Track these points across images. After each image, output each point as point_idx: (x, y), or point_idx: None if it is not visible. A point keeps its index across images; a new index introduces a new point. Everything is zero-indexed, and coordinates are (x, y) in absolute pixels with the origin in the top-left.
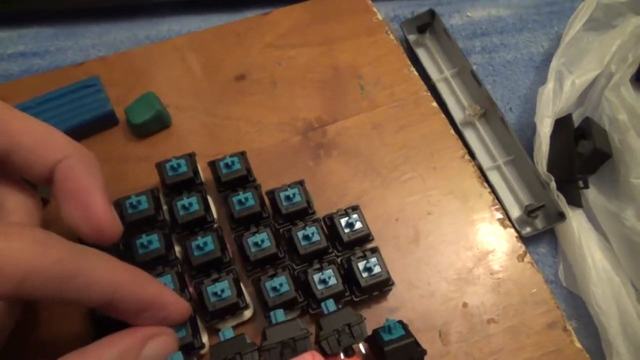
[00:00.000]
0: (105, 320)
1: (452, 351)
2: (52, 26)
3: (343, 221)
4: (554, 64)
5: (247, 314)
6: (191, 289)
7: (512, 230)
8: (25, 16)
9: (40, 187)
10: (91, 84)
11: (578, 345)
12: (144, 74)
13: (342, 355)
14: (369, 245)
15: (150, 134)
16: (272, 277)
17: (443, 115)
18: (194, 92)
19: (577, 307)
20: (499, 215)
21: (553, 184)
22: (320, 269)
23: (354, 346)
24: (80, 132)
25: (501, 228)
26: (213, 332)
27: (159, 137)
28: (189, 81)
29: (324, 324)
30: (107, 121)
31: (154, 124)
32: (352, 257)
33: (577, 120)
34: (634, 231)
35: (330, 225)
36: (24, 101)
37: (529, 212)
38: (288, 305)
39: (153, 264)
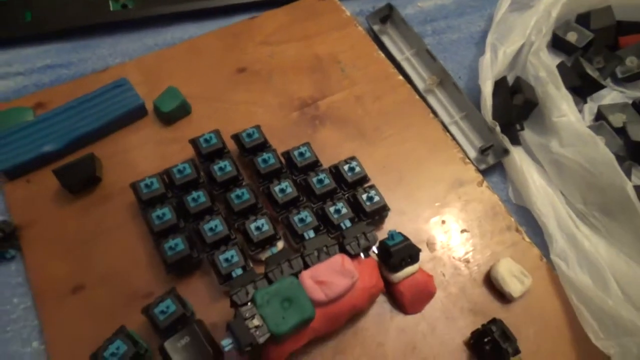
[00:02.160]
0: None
1: (438, 255)
2: (70, 41)
3: (345, 167)
4: (489, 39)
5: (280, 244)
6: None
7: (471, 165)
8: (45, 35)
9: (97, 167)
10: (121, 84)
11: (527, 240)
12: (161, 74)
13: (362, 255)
14: (367, 185)
15: (175, 120)
16: (298, 212)
17: (409, 86)
18: (205, 85)
19: (524, 216)
20: (460, 155)
21: (498, 128)
22: (334, 203)
23: (369, 253)
24: (117, 124)
25: (463, 164)
26: (256, 263)
27: (183, 123)
28: (200, 76)
29: (346, 234)
30: (138, 113)
31: (180, 112)
32: (356, 193)
33: (510, 80)
34: (558, 154)
35: (335, 172)
36: (62, 104)
37: (482, 151)
38: (314, 231)
39: (203, 214)
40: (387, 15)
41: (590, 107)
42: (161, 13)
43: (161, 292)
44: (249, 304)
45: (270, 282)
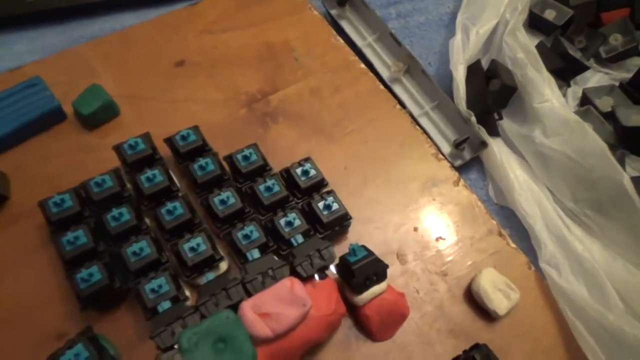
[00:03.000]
0: None
1: (410, 268)
2: None
3: (298, 171)
4: (459, 19)
5: (223, 266)
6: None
7: (446, 161)
8: None
9: (1, 179)
10: (34, 84)
11: (513, 245)
12: (85, 71)
13: (316, 277)
14: (324, 190)
15: (100, 124)
16: (242, 227)
17: (372, 75)
18: (138, 82)
19: (507, 217)
20: (433, 151)
21: (473, 118)
22: (285, 215)
23: (326, 273)
24: (29, 130)
25: (436, 161)
26: (195, 289)
27: (109, 127)
28: (132, 72)
29: (296, 253)
30: (55, 117)
31: (104, 113)
32: (311, 201)
33: (485, 64)
34: (542, 146)
35: (287, 177)
36: None
37: (457, 145)
38: (260, 250)
39: (126, 235)
40: None
41: (574, 91)
42: (88, 2)
43: (78, 329)
44: (175, 347)
45: (203, 317)
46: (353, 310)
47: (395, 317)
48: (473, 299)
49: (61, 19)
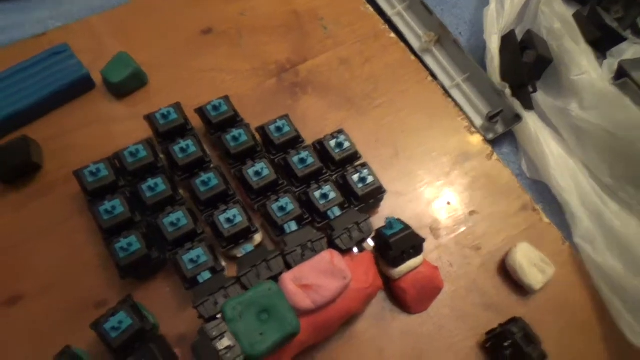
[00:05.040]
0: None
1: (444, 242)
2: (4, 1)
3: (332, 143)
4: None
5: (258, 238)
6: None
7: (478, 135)
8: None
9: (33, 151)
10: (60, 51)
11: (547, 220)
12: (111, 38)
13: (355, 250)
14: (358, 163)
15: (128, 93)
16: (277, 199)
17: (402, 45)
18: (165, 50)
19: (540, 192)
20: (465, 123)
21: (508, 90)
22: (319, 187)
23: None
24: (57, 99)
25: (468, 134)
26: (230, 260)
27: (137, 96)
28: (157, 40)
29: (335, 225)
30: (83, 85)
31: (132, 82)
32: (345, 173)
33: (519, 35)
34: (579, 119)
35: (320, 149)
36: None
37: (490, 118)
38: (297, 222)
39: (162, 205)
40: None
41: (610, 63)
42: None
43: (117, 299)
44: (218, 316)
45: (244, 288)
46: (388, 284)
47: (430, 290)
48: (507, 274)
49: None
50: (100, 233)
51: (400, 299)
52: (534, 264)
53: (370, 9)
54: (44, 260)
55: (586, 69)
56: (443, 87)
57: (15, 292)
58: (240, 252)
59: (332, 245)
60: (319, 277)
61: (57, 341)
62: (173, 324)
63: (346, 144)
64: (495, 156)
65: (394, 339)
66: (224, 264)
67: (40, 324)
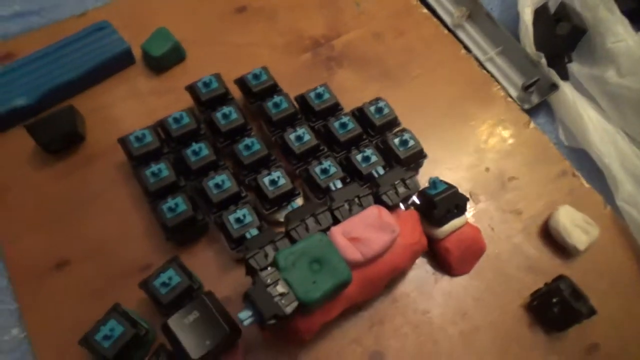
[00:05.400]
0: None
1: (484, 207)
2: None
3: (372, 109)
4: None
5: (299, 201)
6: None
7: (515, 104)
8: None
9: (78, 122)
10: (103, 27)
11: (587, 185)
12: (149, 16)
13: (401, 207)
14: (397, 129)
15: (168, 67)
16: (320, 162)
17: (435, 19)
18: (200, 27)
19: (579, 160)
20: (502, 93)
21: (543, 60)
22: (361, 151)
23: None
24: (100, 73)
25: (505, 103)
26: (272, 226)
27: (176, 71)
28: (193, 17)
29: (380, 182)
30: (124, 60)
31: (172, 56)
32: (386, 138)
33: (552, 7)
34: (617, 86)
35: (360, 116)
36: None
37: (526, 88)
38: (341, 182)
39: (206, 170)
40: None
41: None
42: None
43: (161, 263)
44: (269, 268)
45: (293, 241)
46: (431, 245)
47: (473, 251)
48: (550, 237)
49: None
50: (146, 197)
51: (444, 260)
52: (577, 225)
53: None
54: (90, 226)
55: (623, 36)
56: (477, 60)
57: (63, 257)
58: (283, 214)
59: (378, 201)
60: (368, 231)
61: (106, 303)
62: (217, 287)
63: (386, 110)
64: (532, 124)
65: (438, 301)
66: (267, 226)
67: (88, 286)
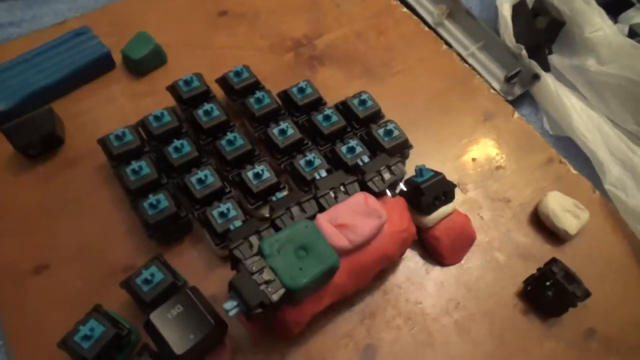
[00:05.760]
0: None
1: (472, 197)
2: None
3: (356, 101)
4: None
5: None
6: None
7: (498, 95)
8: None
9: (57, 124)
10: (82, 32)
11: (574, 171)
12: (129, 22)
13: (388, 194)
14: (382, 121)
15: (149, 70)
16: (304, 155)
17: (415, 18)
18: (182, 31)
19: (565, 148)
20: (485, 85)
21: (524, 52)
22: (345, 143)
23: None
24: (79, 78)
25: (488, 95)
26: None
27: (158, 74)
28: (175, 22)
29: (366, 169)
30: (104, 64)
31: (153, 60)
32: (371, 129)
33: (530, 3)
34: (598, 73)
35: (343, 109)
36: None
37: (509, 79)
38: (326, 172)
39: (188, 166)
40: None
41: (621, 28)
42: None
43: (143, 264)
44: (254, 257)
45: (278, 230)
46: (420, 234)
47: (463, 239)
48: (540, 223)
49: None
50: (127, 196)
51: (434, 249)
52: (567, 210)
53: None
54: (70, 230)
55: (600, 26)
56: (459, 55)
57: (42, 261)
58: (267, 210)
59: (364, 188)
60: (354, 217)
61: (87, 306)
62: (202, 285)
63: (369, 102)
64: (516, 114)
65: (430, 292)
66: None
67: (69, 290)
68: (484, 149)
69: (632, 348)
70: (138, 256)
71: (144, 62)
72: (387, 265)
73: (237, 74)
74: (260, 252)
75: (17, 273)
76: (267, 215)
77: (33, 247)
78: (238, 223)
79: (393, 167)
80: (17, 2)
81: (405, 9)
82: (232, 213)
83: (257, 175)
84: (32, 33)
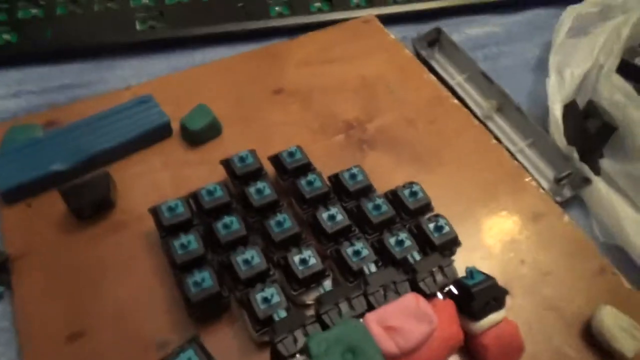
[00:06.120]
0: None
1: (518, 302)
2: (93, 61)
3: (406, 192)
4: (551, 61)
5: (328, 284)
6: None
7: (548, 196)
8: (65, 54)
9: (112, 188)
10: (145, 100)
11: (628, 286)
12: (189, 93)
13: (439, 296)
14: (432, 214)
15: (204, 141)
16: (352, 244)
17: (466, 110)
18: (238, 106)
19: (616, 259)
20: (534, 184)
21: (575, 154)
22: (394, 234)
23: None
24: (138, 143)
25: (538, 194)
26: (298, 308)
27: (212, 145)
28: (232, 96)
29: (417, 268)
30: (162, 132)
31: (210, 131)
32: (420, 221)
33: (580, 104)
34: None
35: (393, 199)
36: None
37: (559, 180)
38: (374, 265)
39: (235, 244)
40: (435, 39)
41: None
42: (191, 34)
43: (179, 339)
44: (298, 355)
45: (324, 326)
46: (467, 340)
47: (513, 349)
48: (592, 339)
49: (165, 49)
50: (172, 269)
51: (481, 358)
52: (623, 329)
53: (433, 77)
54: (109, 297)
55: None
56: (508, 150)
57: (78, 328)
58: (311, 296)
59: (415, 288)
60: (404, 320)
61: None
62: None
63: (420, 194)
64: (566, 217)
65: None
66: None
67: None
68: (533, 252)
69: None
70: (174, 332)
71: (201, 134)
72: None
73: (291, 154)
74: (306, 350)
75: (52, 339)
76: (310, 302)
77: (70, 312)
78: (282, 313)
79: (446, 269)
80: (86, 65)
81: (455, 100)
82: (276, 299)
83: (304, 261)
84: (96, 96)
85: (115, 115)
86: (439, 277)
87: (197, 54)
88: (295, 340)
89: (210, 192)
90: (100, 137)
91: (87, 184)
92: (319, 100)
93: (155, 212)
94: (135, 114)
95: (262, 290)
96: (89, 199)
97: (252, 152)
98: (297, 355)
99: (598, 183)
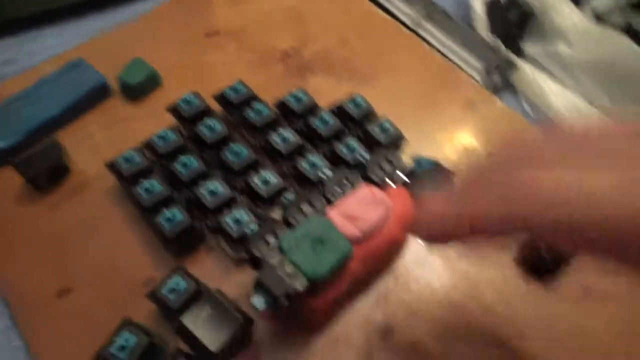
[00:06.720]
0: None
1: None
2: (14, 36)
3: (350, 104)
4: None
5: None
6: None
7: (480, 87)
8: None
9: (63, 155)
10: (78, 64)
11: None
12: (122, 51)
13: (392, 185)
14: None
15: (145, 93)
16: (306, 159)
17: (396, 22)
18: (174, 54)
19: None
20: (467, 77)
21: (501, 45)
22: (344, 143)
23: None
24: (80, 107)
25: (471, 86)
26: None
27: (154, 96)
28: (167, 47)
29: (367, 163)
30: (102, 92)
31: (149, 83)
32: (366, 127)
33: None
34: (570, 58)
35: (338, 113)
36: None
37: (489, 71)
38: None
39: (197, 180)
40: None
41: (587, 15)
42: None
43: (163, 276)
44: (274, 253)
45: (291, 227)
46: None
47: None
48: None
49: (84, 12)
50: (141, 214)
51: None
52: None
53: None
54: (87, 253)
55: (568, 14)
56: (440, 52)
57: (64, 286)
58: (276, 213)
59: (367, 181)
60: (362, 208)
61: (113, 322)
62: (222, 289)
63: (363, 104)
64: (499, 102)
65: (440, 275)
66: None
67: (93, 309)
68: (474, 135)
69: None
70: (157, 270)
71: (141, 87)
72: (395, 248)
73: (235, 90)
74: (280, 249)
75: (42, 300)
76: (277, 217)
77: (54, 273)
78: (254, 226)
79: (392, 158)
80: (9, 40)
81: (385, 15)
82: (245, 218)
83: (265, 182)
84: (28, 70)
85: (50, 84)
86: (387, 167)
87: (122, 11)
88: (268, 244)
89: (162, 137)
90: (40, 107)
91: (38, 153)
92: (252, 36)
93: (113, 165)
94: (70, 80)
95: (231, 213)
96: (44, 166)
97: (196, 93)
98: (274, 254)
99: (524, 66)
